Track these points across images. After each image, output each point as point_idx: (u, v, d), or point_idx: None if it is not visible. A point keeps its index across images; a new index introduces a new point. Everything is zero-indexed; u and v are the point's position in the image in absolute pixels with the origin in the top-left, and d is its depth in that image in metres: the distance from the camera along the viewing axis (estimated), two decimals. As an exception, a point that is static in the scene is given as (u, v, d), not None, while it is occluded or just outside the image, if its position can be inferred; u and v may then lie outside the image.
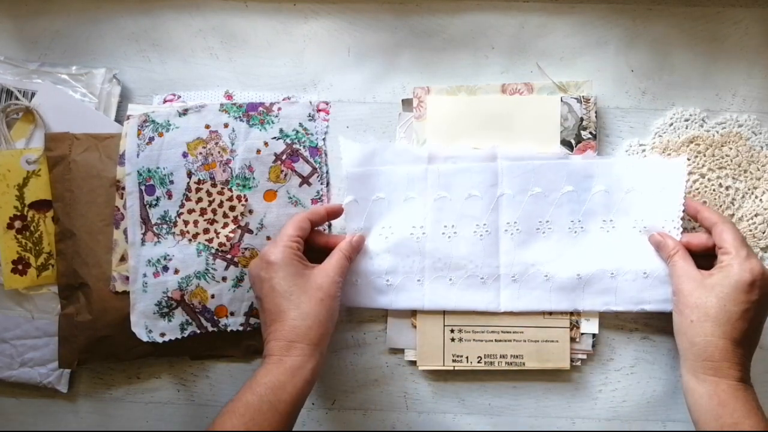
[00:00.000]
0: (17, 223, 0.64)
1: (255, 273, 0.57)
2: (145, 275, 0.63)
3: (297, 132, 0.65)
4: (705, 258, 0.59)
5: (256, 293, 0.58)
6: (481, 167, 0.63)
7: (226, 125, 0.64)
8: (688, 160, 0.65)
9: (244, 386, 0.52)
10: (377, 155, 0.64)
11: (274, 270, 0.55)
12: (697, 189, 0.65)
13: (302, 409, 0.65)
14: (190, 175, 0.63)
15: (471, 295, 0.63)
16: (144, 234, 0.63)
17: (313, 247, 0.61)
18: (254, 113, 0.65)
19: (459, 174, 0.63)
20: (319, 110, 0.67)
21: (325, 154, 0.66)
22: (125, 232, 0.63)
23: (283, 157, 0.65)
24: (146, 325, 0.63)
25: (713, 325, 0.54)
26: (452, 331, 0.64)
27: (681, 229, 0.61)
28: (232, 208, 0.63)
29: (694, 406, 0.54)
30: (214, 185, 0.63)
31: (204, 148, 0.64)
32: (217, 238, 0.63)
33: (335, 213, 0.62)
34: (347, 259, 0.59)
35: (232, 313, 0.64)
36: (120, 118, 0.66)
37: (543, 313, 0.64)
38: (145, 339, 0.63)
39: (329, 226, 0.66)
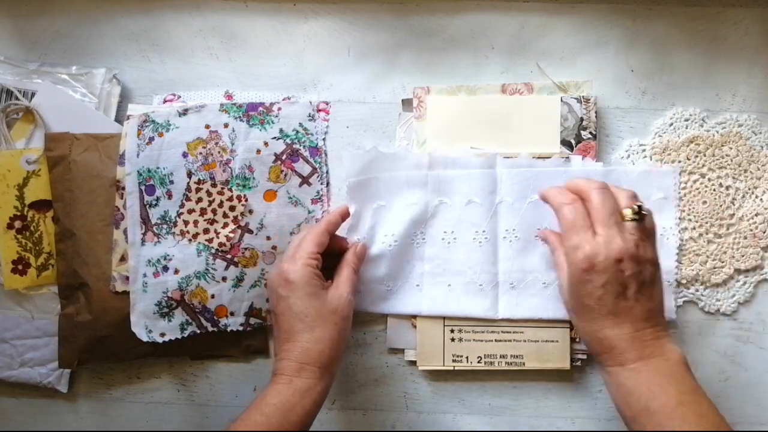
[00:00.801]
0: (17, 223, 0.64)
1: (273, 288, 0.57)
2: (145, 275, 0.63)
3: (297, 132, 0.65)
4: None
5: (272, 307, 0.58)
6: (481, 174, 0.63)
7: (226, 125, 0.64)
8: (688, 159, 0.65)
9: (252, 405, 0.52)
10: (378, 162, 0.64)
11: (291, 289, 0.55)
12: (697, 189, 0.65)
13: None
14: (190, 175, 0.63)
15: (469, 301, 0.63)
16: (144, 234, 0.63)
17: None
18: (254, 113, 0.65)
19: (458, 180, 0.63)
20: (319, 110, 0.67)
21: (325, 154, 0.66)
22: (125, 232, 0.63)
23: (283, 157, 0.65)
24: (146, 325, 0.63)
25: (585, 322, 0.53)
26: (452, 331, 0.64)
27: (678, 236, 0.61)
28: (232, 208, 0.63)
29: (613, 401, 0.53)
30: (214, 185, 0.63)
31: (204, 148, 0.64)
32: (217, 238, 0.63)
33: (346, 214, 0.62)
34: (355, 272, 0.59)
35: (232, 313, 0.64)
36: (120, 118, 0.66)
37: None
38: (145, 339, 0.63)
39: None
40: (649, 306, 0.52)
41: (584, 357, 0.64)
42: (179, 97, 0.67)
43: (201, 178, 0.63)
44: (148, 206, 0.63)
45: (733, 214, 0.64)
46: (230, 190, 0.64)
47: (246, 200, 0.64)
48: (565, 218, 0.53)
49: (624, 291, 0.51)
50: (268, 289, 0.59)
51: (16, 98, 0.64)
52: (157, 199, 0.63)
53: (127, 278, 0.63)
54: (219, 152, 0.64)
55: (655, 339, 0.51)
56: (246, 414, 0.52)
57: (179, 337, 0.63)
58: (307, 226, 0.63)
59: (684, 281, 0.64)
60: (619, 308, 0.51)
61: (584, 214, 0.53)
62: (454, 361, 0.64)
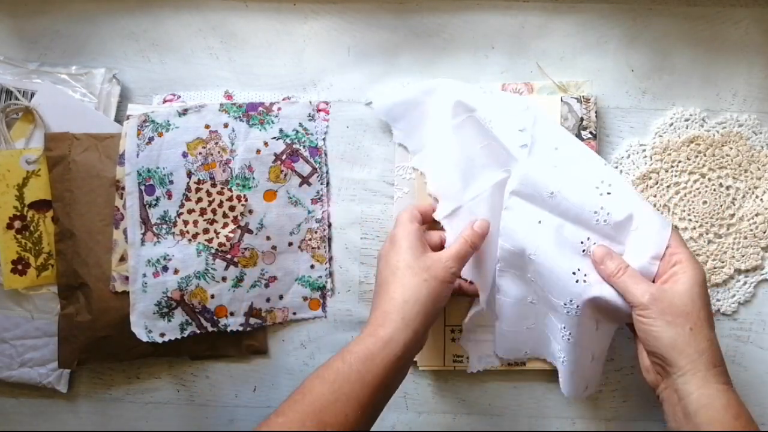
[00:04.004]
0: (17, 223, 0.64)
1: (379, 255, 0.58)
2: (144, 275, 0.63)
3: (297, 132, 0.65)
4: None
5: (377, 273, 0.58)
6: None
7: (225, 125, 0.64)
8: (688, 159, 0.65)
9: (337, 354, 0.52)
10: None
11: (392, 244, 0.57)
12: (698, 189, 0.65)
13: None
14: (189, 175, 0.63)
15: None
16: (144, 234, 0.63)
17: None
18: (254, 113, 0.65)
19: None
20: (319, 110, 0.67)
21: (325, 154, 0.66)
22: (125, 232, 0.63)
23: (283, 157, 0.65)
24: (146, 325, 0.63)
25: (709, 329, 0.52)
26: (453, 331, 0.64)
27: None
28: (232, 208, 0.63)
29: (708, 423, 0.49)
30: (213, 185, 0.63)
31: (204, 148, 0.64)
32: (217, 238, 0.63)
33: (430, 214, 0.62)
34: (470, 246, 0.57)
35: (231, 313, 0.64)
36: (120, 118, 0.66)
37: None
38: (144, 339, 0.63)
39: None
40: None
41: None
42: (179, 97, 0.67)
43: (201, 178, 0.63)
44: (147, 206, 0.63)
45: (734, 214, 0.64)
46: (230, 190, 0.64)
47: (246, 200, 0.64)
48: (679, 235, 0.55)
49: None
50: (379, 255, 0.58)
51: (16, 98, 0.64)
52: (157, 199, 0.63)
53: (127, 278, 0.63)
54: (219, 152, 0.64)
55: None
56: (329, 362, 0.51)
57: (179, 337, 0.63)
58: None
59: (684, 281, 0.64)
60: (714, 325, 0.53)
61: None
62: (454, 361, 0.64)
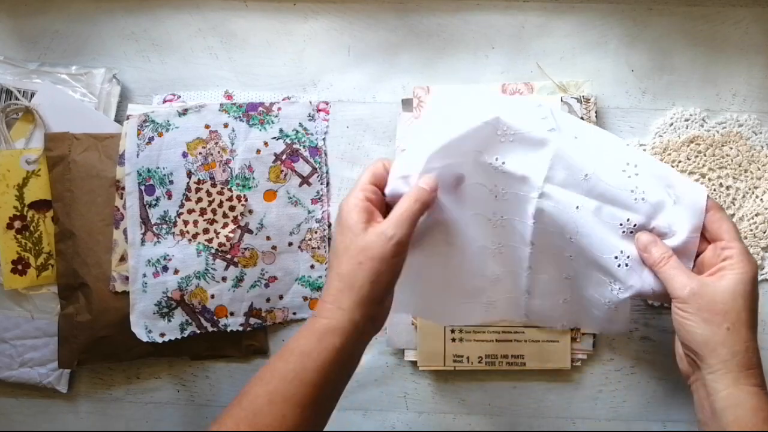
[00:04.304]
0: (17, 223, 0.64)
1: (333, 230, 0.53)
2: (144, 275, 0.63)
3: (297, 132, 0.65)
4: None
5: None
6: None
7: (225, 125, 0.64)
8: (688, 159, 0.65)
9: (278, 351, 0.49)
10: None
11: (337, 226, 0.51)
12: (698, 189, 0.65)
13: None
14: (189, 175, 0.63)
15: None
16: (144, 234, 0.63)
17: None
18: (254, 113, 0.65)
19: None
20: (319, 110, 0.67)
21: (325, 154, 0.66)
22: (125, 232, 0.63)
23: (283, 157, 0.65)
24: (146, 325, 0.63)
25: (748, 330, 0.50)
26: (453, 331, 0.64)
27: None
28: (232, 208, 0.63)
29: (734, 422, 0.48)
30: (213, 185, 0.63)
31: (204, 148, 0.64)
32: (217, 238, 0.63)
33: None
34: (416, 201, 0.50)
35: (231, 313, 0.64)
36: (120, 118, 0.66)
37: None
38: (144, 339, 0.63)
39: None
40: None
41: (584, 357, 0.64)
42: (179, 97, 0.67)
43: (201, 178, 0.63)
44: (147, 206, 0.63)
45: (734, 214, 0.64)
46: (230, 190, 0.64)
47: (246, 200, 0.64)
48: (729, 220, 0.53)
49: None
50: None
51: (16, 98, 0.64)
52: (157, 199, 0.63)
53: (127, 278, 0.63)
54: (219, 152, 0.64)
55: None
56: (270, 361, 0.49)
57: (179, 337, 0.63)
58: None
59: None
60: (757, 326, 0.51)
61: None
62: (455, 361, 0.64)
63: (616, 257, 0.55)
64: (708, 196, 0.53)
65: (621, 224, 0.56)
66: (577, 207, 0.56)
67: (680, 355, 0.54)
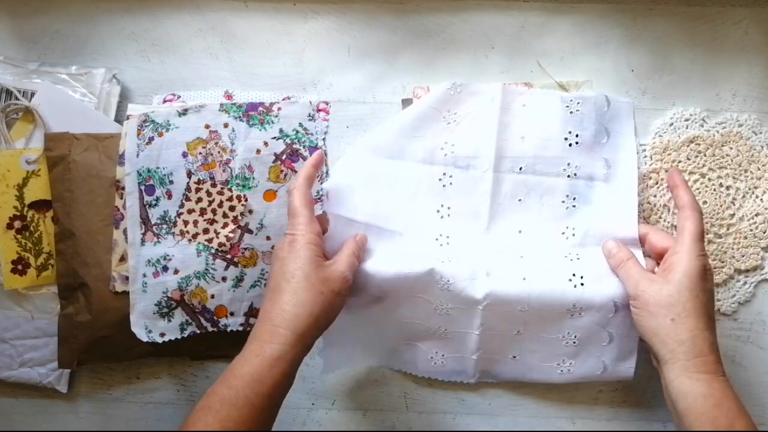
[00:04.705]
0: (17, 223, 0.64)
1: (275, 252, 0.55)
2: (144, 275, 0.63)
3: (297, 132, 0.65)
4: None
5: (269, 274, 0.55)
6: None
7: (225, 125, 0.64)
8: (688, 159, 0.65)
9: (220, 378, 0.50)
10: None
11: (290, 249, 0.53)
12: (698, 189, 0.65)
13: (301, 409, 0.65)
14: (189, 175, 0.63)
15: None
16: (144, 234, 0.63)
17: None
18: (254, 113, 0.65)
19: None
20: (319, 110, 0.67)
21: (325, 154, 0.66)
22: (125, 232, 0.63)
23: (283, 157, 0.65)
24: (146, 325, 0.63)
25: (695, 319, 0.53)
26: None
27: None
28: (232, 208, 0.63)
29: (687, 410, 0.51)
30: (213, 185, 0.63)
31: (204, 148, 0.64)
32: (217, 238, 0.63)
33: (319, 161, 0.60)
34: (357, 259, 0.57)
35: (231, 314, 0.64)
36: (120, 118, 0.66)
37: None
38: (144, 339, 0.63)
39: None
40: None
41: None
42: (179, 97, 0.67)
43: (201, 178, 0.63)
44: (147, 206, 0.63)
45: (734, 214, 0.64)
46: (230, 190, 0.64)
47: (246, 200, 0.64)
48: (698, 224, 0.56)
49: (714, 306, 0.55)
50: (272, 258, 0.56)
51: (16, 98, 0.64)
52: (157, 199, 0.63)
53: (127, 278, 0.63)
54: (219, 152, 0.64)
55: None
56: (213, 388, 0.49)
57: (179, 337, 0.63)
58: (291, 188, 0.58)
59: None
60: (713, 316, 0.54)
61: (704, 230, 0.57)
62: (454, 361, 0.65)
63: (570, 279, 0.60)
64: (700, 212, 0.57)
65: (563, 233, 0.63)
66: (521, 257, 0.61)
67: (652, 354, 0.57)
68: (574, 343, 0.61)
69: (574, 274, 0.60)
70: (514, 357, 0.63)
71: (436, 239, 0.62)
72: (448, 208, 0.63)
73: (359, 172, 0.62)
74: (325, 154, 0.66)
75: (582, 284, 0.59)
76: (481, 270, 0.60)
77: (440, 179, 0.63)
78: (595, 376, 0.62)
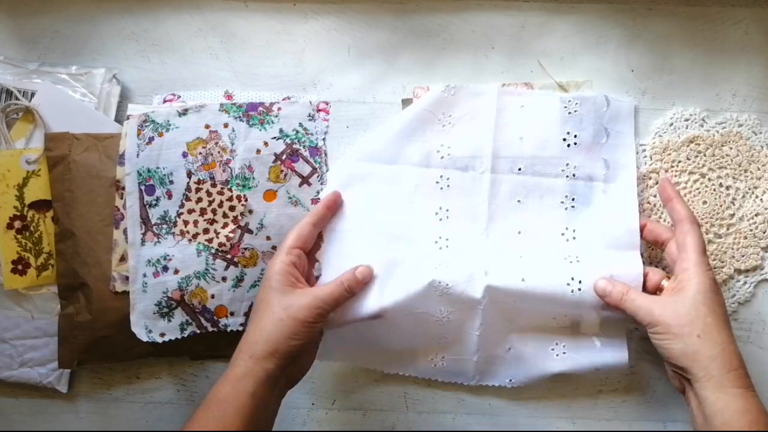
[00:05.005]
0: (17, 223, 0.64)
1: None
2: (144, 275, 0.63)
3: (297, 132, 0.65)
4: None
5: None
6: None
7: (225, 125, 0.64)
8: (688, 159, 0.65)
9: (202, 402, 0.52)
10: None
11: (263, 282, 0.56)
12: (698, 189, 0.65)
13: (301, 409, 0.65)
14: (189, 175, 0.63)
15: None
16: (144, 234, 0.63)
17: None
18: (254, 113, 0.65)
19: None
20: (319, 110, 0.67)
21: (325, 154, 0.66)
22: (125, 232, 0.63)
23: (283, 157, 0.65)
24: (146, 325, 0.63)
25: (720, 332, 0.52)
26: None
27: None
28: (232, 208, 0.63)
29: (723, 426, 0.50)
30: (214, 185, 0.63)
31: (204, 148, 0.64)
32: (217, 238, 0.63)
33: (334, 204, 0.61)
34: (346, 290, 0.56)
35: (232, 313, 0.64)
36: (120, 118, 0.66)
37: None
38: (144, 339, 0.63)
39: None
40: None
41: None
42: (179, 97, 0.67)
43: (201, 178, 0.63)
44: (148, 206, 0.63)
45: (733, 214, 0.64)
46: (230, 190, 0.64)
47: (246, 200, 0.64)
48: (698, 235, 0.55)
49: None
50: None
51: (16, 98, 0.64)
52: (157, 199, 0.63)
53: (127, 278, 0.63)
54: (219, 152, 0.64)
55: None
56: (193, 415, 0.51)
57: (179, 337, 0.63)
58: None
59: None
60: (731, 329, 0.53)
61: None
62: (453, 361, 0.64)
63: (568, 284, 0.59)
64: (697, 224, 0.57)
65: (563, 233, 0.63)
66: (521, 257, 0.61)
67: (670, 374, 0.56)
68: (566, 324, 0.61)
69: (572, 278, 0.59)
70: (509, 349, 0.63)
71: (436, 242, 0.62)
72: (447, 210, 0.63)
73: (355, 180, 0.62)
74: (325, 154, 0.66)
75: (579, 290, 0.59)
76: (480, 270, 0.60)
77: (437, 182, 0.63)
78: (591, 359, 0.61)
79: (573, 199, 0.62)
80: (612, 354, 0.61)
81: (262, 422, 0.53)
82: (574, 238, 0.62)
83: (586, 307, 0.59)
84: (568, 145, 0.62)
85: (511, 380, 0.64)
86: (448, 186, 0.63)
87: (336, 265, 0.60)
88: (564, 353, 0.62)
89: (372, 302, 0.58)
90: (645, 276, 0.58)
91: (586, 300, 0.59)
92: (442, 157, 0.63)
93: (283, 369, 0.53)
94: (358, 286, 0.58)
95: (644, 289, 0.58)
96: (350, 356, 0.64)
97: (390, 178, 0.63)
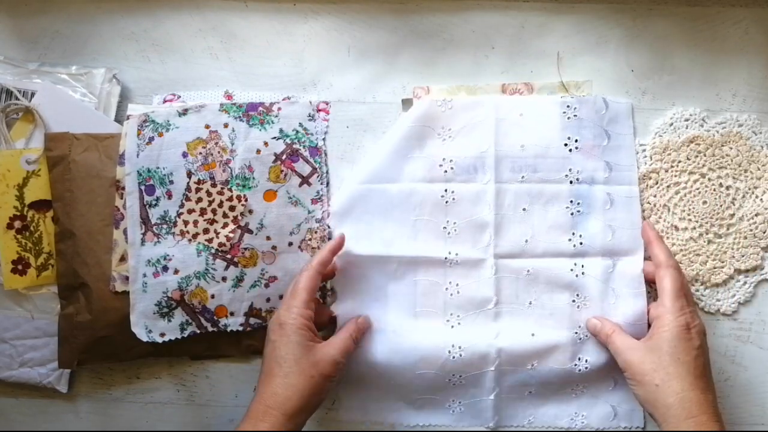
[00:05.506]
0: (17, 223, 0.64)
1: (268, 332, 0.58)
2: (144, 275, 0.63)
3: (297, 132, 0.65)
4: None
5: (264, 351, 0.58)
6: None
7: (225, 125, 0.64)
8: (688, 159, 0.65)
9: None
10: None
11: (281, 334, 0.56)
12: (698, 189, 0.65)
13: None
14: (189, 175, 0.63)
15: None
16: (144, 234, 0.63)
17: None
18: (254, 113, 0.65)
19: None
20: (319, 110, 0.67)
21: (325, 154, 0.66)
22: (125, 232, 0.63)
23: (283, 157, 0.65)
24: (146, 325, 0.63)
25: (678, 381, 0.53)
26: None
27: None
28: (232, 208, 0.63)
29: None
30: (214, 185, 0.63)
31: (204, 148, 0.64)
32: (217, 238, 0.63)
33: (339, 248, 0.61)
34: (354, 342, 0.59)
35: (231, 313, 0.64)
36: (120, 118, 0.66)
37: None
38: (144, 339, 0.63)
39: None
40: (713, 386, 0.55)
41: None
42: (179, 97, 0.67)
43: (201, 178, 0.63)
44: (147, 206, 0.63)
45: (733, 214, 0.64)
46: (230, 190, 0.64)
47: (246, 200, 0.64)
48: (674, 278, 0.56)
49: (707, 364, 0.55)
50: (267, 333, 0.59)
51: (16, 98, 0.64)
52: (157, 199, 0.63)
53: (127, 278, 0.63)
54: (219, 152, 0.64)
55: (719, 413, 0.54)
56: None
57: (179, 337, 0.63)
58: (304, 268, 0.60)
59: (684, 281, 0.64)
60: (706, 375, 0.55)
61: (686, 283, 0.58)
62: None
63: (573, 300, 0.62)
64: (678, 269, 0.58)
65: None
66: (528, 271, 0.63)
67: None
68: (586, 369, 0.62)
69: (579, 326, 0.62)
70: (530, 392, 0.63)
71: (446, 258, 0.62)
72: (454, 223, 0.63)
73: (359, 203, 0.63)
74: (325, 154, 0.66)
75: (587, 336, 0.62)
76: (491, 333, 0.62)
77: (442, 196, 0.63)
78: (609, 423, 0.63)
79: (578, 204, 0.62)
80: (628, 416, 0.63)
81: None
82: (581, 243, 0.62)
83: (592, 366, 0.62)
84: (570, 150, 0.62)
85: (530, 421, 0.64)
86: (453, 200, 0.63)
87: (352, 291, 0.63)
88: (583, 422, 0.64)
89: (382, 348, 0.62)
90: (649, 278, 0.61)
91: (591, 356, 0.62)
92: (445, 171, 0.63)
93: (303, 424, 0.55)
94: (362, 336, 0.61)
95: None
96: (367, 412, 0.65)
97: (395, 197, 0.63)
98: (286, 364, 0.55)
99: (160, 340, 0.63)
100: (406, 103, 0.66)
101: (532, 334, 0.61)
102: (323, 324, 0.62)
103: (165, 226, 0.63)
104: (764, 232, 0.64)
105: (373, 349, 0.62)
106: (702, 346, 0.55)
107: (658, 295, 0.57)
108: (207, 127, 0.64)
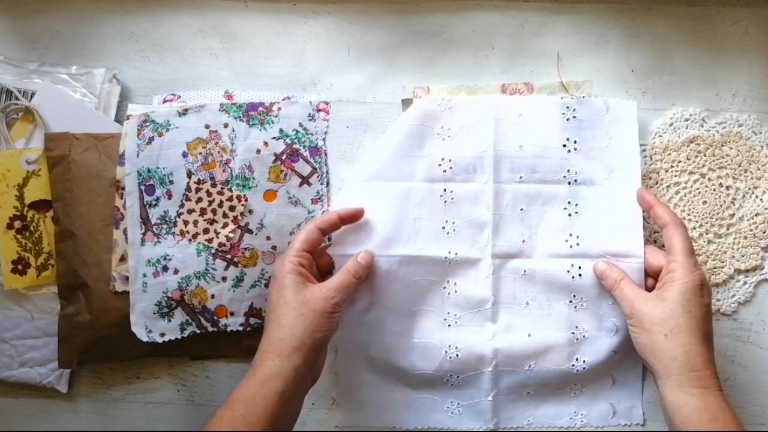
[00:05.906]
0: (17, 223, 0.64)
1: (269, 289, 0.58)
2: (144, 275, 0.63)
3: (297, 132, 0.65)
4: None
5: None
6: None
7: (225, 125, 0.64)
8: (688, 159, 0.65)
9: (223, 402, 0.53)
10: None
11: (273, 283, 0.57)
12: (698, 189, 0.65)
13: (302, 409, 0.65)
14: (189, 175, 0.63)
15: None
16: (144, 234, 0.63)
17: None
18: (254, 113, 0.65)
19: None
20: (319, 110, 0.67)
21: (325, 154, 0.66)
22: (125, 232, 0.63)
23: (283, 157, 0.65)
24: (146, 325, 0.63)
25: (688, 335, 0.53)
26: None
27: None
28: (232, 208, 0.63)
29: (682, 425, 0.52)
30: (213, 185, 0.63)
31: (204, 148, 0.64)
32: (217, 238, 0.63)
33: (349, 217, 0.61)
34: (354, 276, 0.58)
35: (231, 313, 0.64)
36: (120, 118, 0.66)
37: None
38: (144, 339, 0.63)
39: (329, 239, 0.63)
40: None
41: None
42: (179, 97, 0.67)
43: (201, 178, 0.63)
44: (147, 206, 0.63)
45: (733, 214, 0.64)
46: (230, 190, 0.64)
47: (246, 200, 0.64)
48: (684, 236, 0.56)
49: (712, 326, 0.55)
50: None
51: (16, 98, 0.64)
52: (157, 199, 0.63)
53: (127, 278, 0.63)
54: (219, 152, 0.64)
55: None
56: (217, 413, 0.52)
57: (179, 337, 0.63)
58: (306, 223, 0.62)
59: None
60: (711, 334, 0.55)
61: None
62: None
63: (568, 270, 0.62)
64: (683, 226, 0.57)
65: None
66: (525, 271, 0.63)
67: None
68: (584, 369, 0.62)
69: (576, 326, 0.62)
70: (529, 393, 0.63)
71: (445, 258, 0.62)
72: (453, 223, 0.63)
73: (359, 202, 0.62)
74: (325, 154, 0.66)
75: (584, 336, 0.62)
76: (488, 333, 0.62)
77: (441, 195, 0.63)
78: (607, 420, 0.64)
79: (576, 205, 0.62)
80: (627, 414, 0.64)
81: (288, 420, 0.54)
82: (578, 244, 0.62)
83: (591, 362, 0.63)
84: (569, 151, 0.62)
85: (529, 422, 0.64)
86: (452, 199, 0.63)
87: None
88: (582, 421, 0.64)
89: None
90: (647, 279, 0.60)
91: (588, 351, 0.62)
92: (444, 171, 0.63)
93: (310, 365, 0.55)
94: (363, 271, 0.59)
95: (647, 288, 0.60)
96: (368, 418, 0.65)
97: (394, 196, 0.63)
98: (278, 308, 0.55)
99: (160, 340, 0.63)
100: (406, 103, 0.66)
101: (529, 335, 0.62)
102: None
103: (165, 226, 0.63)
104: (764, 232, 0.64)
105: (371, 348, 0.62)
106: (710, 306, 0.55)
107: (668, 252, 0.56)
108: (207, 127, 0.64)
